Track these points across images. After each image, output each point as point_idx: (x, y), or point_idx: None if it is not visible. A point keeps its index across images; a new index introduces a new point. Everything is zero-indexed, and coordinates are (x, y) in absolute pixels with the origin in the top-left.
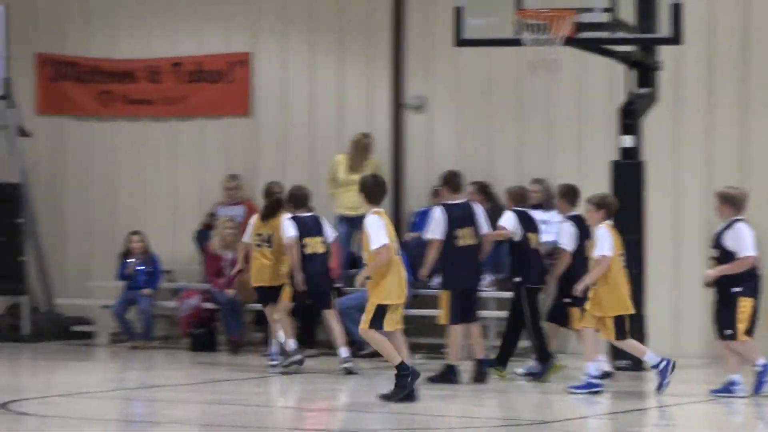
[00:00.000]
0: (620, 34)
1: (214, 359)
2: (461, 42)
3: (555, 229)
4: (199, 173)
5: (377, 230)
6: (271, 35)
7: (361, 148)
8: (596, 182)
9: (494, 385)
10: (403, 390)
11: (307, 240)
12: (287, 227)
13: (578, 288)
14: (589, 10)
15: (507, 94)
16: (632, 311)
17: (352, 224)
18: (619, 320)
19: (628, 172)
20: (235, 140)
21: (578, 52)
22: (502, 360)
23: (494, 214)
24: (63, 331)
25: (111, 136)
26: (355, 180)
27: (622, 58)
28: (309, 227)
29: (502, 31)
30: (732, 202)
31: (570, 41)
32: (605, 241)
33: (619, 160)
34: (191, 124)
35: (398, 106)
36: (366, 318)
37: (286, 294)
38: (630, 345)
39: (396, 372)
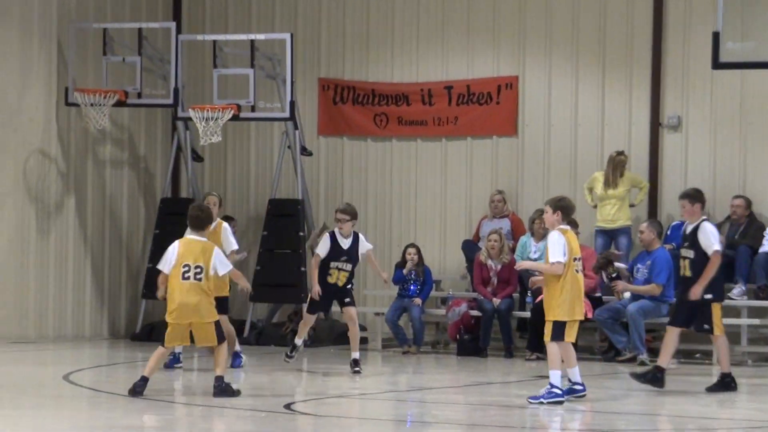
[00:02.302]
0: None
1: (480, 364)
2: (719, 65)
3: None
4: (467, 189)
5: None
6: (537, 59)
7: (615, 165)
8: None
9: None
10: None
11: None
12: None
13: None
14: None
15: (762, 113)
16: (576, 318)
17: (610, 236)
18: (557, 324)
19: None
20: (502, 158)
21: None
22: None
23: (750, 230)
24: (338, 337)
25: (385, 155)
26: (612, 195)
27: None
28: None
29: (758, 54)
30: None
31: None
32: (557, 246)
33: None
34: (460, 143)
35: (656, 125)
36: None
37: None
38: (552, 351)
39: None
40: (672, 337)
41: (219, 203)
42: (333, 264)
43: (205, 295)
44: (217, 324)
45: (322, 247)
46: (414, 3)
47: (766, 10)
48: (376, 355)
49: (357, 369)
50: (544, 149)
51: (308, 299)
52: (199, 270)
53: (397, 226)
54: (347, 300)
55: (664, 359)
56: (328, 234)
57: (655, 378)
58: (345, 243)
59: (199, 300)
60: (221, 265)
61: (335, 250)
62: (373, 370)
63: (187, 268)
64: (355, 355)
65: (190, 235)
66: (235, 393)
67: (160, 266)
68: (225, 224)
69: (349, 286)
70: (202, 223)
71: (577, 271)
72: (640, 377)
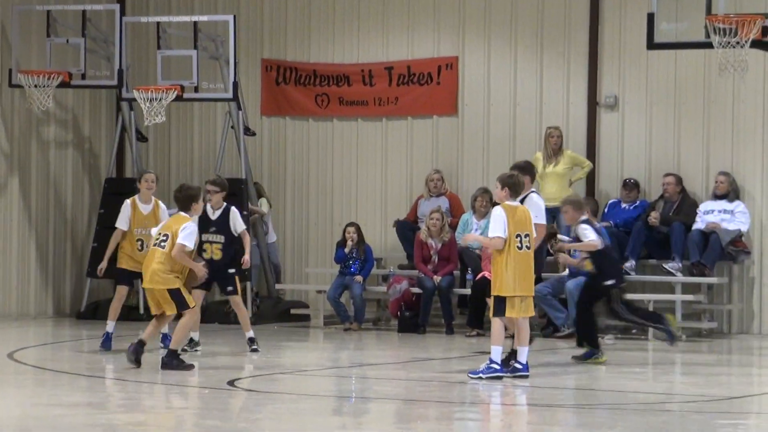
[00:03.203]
0: None
1: (421, 340)
2: (653, 46)
3: (739, 219)
4: (408, 169)
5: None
6: (476, 39)
7: (550, 140)
8: None
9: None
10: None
11: None
12: None
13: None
14: None
15: (695, 94)
16: (518, 294)
17: (551, 213)
18: (497, 299)
19: None
20: (442, 138)
21: (765, 54)
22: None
23: (684, 207)
24: (283, 314)
25: (326, 135)
26: (552, 172)
27: None
28: None
29: (691, 34)
30: None
31: (758, 44)
32: (497, 222)
33: None
34: (401, 123)
35: (593, 104)
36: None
37: None
38: (495, 326)
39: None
40: None
41: (156, 181)
42: (204, 237)
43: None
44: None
45: None
46: None
47: None
48: (318, 332)
49: (254, 347)
50: (483, 129)
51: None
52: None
53: (338, 205)
54: (229, 289)
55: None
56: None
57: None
58: (214, 215)
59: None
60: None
61: (204, 222)
62: (315, 346)
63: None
64: (250, 334)
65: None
66: (186, 366)
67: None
68: (161, 203)
69: (231, 270)
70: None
71: (520, 247)
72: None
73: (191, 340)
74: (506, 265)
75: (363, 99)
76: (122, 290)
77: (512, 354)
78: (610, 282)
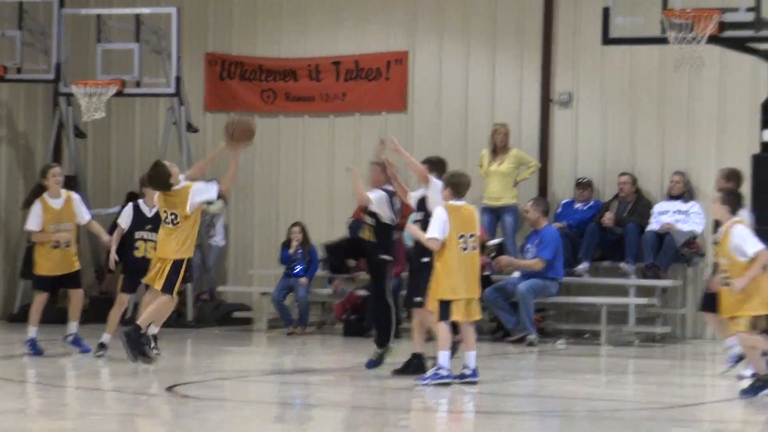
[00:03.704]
0: (764, 33)
1: (367, 344)
2: (609, 40)
3: (694, 220)
4: (356, 166)
5: (434, 222)
6: (427, 34)
7: (496, 137)
8: None
9: None
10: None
11: None
12: None
13: None
14: (733, 9)
15: (650, 90)
16: (462, 297)
17: (495, 214)
18: (441, 304)
19: None
20: (391, 134)
21: (721, 50)
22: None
23: (638, 208)
24: (224, 317)
25: (272, 132)
26: (496, 171)
27: (765, 55)
28: None
29: (647, 30)
30: None
31: (714, 40)
32: (436, 223)
33: (760, 153)
34: (349, 119)
35: (546, 101)
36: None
37: None
38: (442, 331)
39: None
40: None
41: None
42: (138, 234)
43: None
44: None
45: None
46: None
47: None
48: (261, 336)
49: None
50: (433, 125)
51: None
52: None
53: (284, 203)
54: None
55: None
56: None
57: None
58: (150, 212)
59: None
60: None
61: (139, 219)
62: (258, 351)
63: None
64: (105, 338)
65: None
66: (148, 357)
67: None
68: (75, 195)
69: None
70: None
71: (465, 248)
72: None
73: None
74: (447, 268)
75: (310, 95)
76: (41, 297)
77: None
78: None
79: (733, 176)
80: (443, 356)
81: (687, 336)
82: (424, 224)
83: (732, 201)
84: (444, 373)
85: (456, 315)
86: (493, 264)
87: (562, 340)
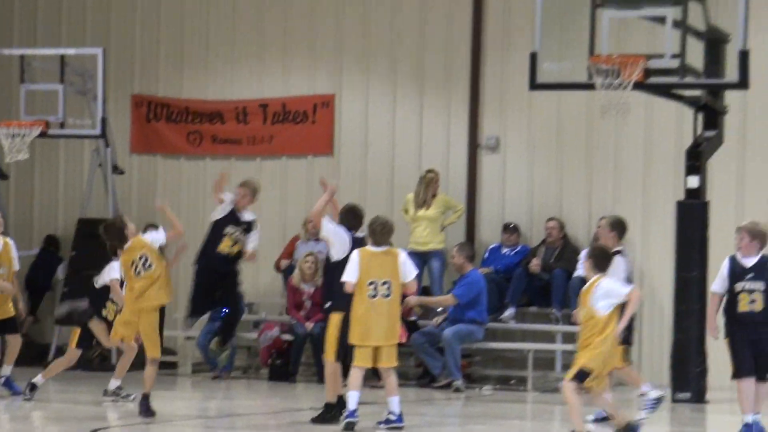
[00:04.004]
0: (689, 79)
1: (292, 389)
2: (536, 86)
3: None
4: (283, 210)
5: (348, 265)
6: (354, 77)
7: (427, 183)
8: (662, 221)
9: None
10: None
11: None
12: None
13: None
14: (659, 56)
15: (577, 136)
16: (368, 344)
17: (422, 258)
18: (352, 347)
19: (693, 212)
20: (318, 178)
21: (647, 96)
22: None
23: (565, 253)
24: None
25: (198, 174)
26: (423, 216)
27: (690, 102)
28: None
29: (574, 75)
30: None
31: (640, 86)
32: (349, 266)
33: (684, 200)
34: (275, 162)
35: (474, 146)
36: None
37: None
38: (351, 376)
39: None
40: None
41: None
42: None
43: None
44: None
45: None
46: (230, 20)
47: (582, 30)
48: (186, 380)
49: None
50: (360, 169)
51: None
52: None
53: None
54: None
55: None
56: None
57: None
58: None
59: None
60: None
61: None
62: (182, 395)
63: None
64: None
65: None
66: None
67: None
68: (11, 240)
69: None
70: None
71: (373, 295)
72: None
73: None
74: (355, 313)
75: (237, 137)
76: None
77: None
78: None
79: (617, 225)
80: (351, 397)
81: (613, 383)
82: None
83: (598, 261)
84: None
85: (360, 361)
86: (403, 305)
87: (489, 386)
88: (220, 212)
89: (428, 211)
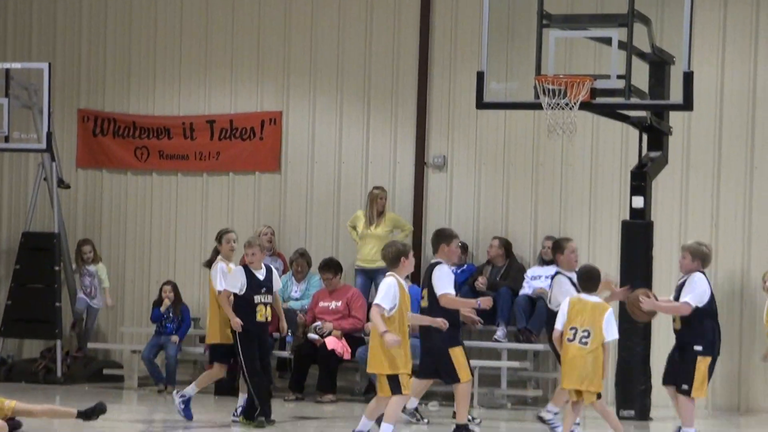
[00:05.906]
0: (634, 100)
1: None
2: (482, 105)
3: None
4: (228, 226)
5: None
6: (300, 94)
7: (372, 199)
8: (608, 240)
9: None
10: None
11: None
12: None
13: None
14: (605, 76)
15: (524, 155)
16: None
17: (369, 276)
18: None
19: (638, 232)
20: (264, 195)
21: (593, 116)
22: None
23: (511, 272)
24: (95, 375)
25: (145, 189)
26: (372, 234)
27: (635, 122)
28: None
29: (521, 95)
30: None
31: (586, 106)
32: (385, 293)
33: (629, 219)
34: (222, 179)
35: (421, 164)
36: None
37: None
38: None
39: None
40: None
41: None
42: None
43: None
44: None
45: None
46: (177, 35)
47: (529, 50)
48: (132, 393)
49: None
50: (307, 186)
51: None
52: None
53: (156, 262)
54: None
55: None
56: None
57: None
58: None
59: None
60: None
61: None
62: (128, 408)
63: None
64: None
65: None
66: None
67: None
68: None
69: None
70: None
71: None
72: None
73: None
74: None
75: (184, 153)
76: None
77: None
78: None
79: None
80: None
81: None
82: None
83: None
84: None
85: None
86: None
87: (435, 402)
88: (237, 285)
89: (377, 229)
